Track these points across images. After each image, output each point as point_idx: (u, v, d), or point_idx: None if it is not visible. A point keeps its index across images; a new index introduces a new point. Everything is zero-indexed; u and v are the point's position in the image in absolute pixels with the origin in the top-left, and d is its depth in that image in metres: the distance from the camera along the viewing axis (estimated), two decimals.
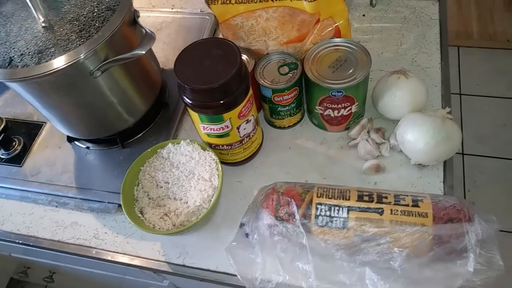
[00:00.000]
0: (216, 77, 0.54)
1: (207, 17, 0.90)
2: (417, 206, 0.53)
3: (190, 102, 0.57)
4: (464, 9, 1.99)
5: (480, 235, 0.49)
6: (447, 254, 0.49)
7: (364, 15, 0.85)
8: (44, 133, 0.79)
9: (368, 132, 0.67)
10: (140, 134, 0.75)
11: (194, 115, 0.59)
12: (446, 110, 0.62)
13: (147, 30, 0.61)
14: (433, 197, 0.54)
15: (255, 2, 0.63)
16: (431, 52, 0.78)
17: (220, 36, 0.74)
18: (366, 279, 0.51)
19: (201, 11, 0.92)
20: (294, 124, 0.72)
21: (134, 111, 0.70)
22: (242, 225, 0.59)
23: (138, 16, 0.64)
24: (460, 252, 0.49)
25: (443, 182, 0.63)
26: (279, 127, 0.72)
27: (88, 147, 0.75)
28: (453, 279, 0.48)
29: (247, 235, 0.58)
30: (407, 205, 0.53)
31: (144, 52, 0.59)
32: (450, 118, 0.61)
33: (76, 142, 0.76)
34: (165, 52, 0.85)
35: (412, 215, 0.52)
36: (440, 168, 0.64)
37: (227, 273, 0.60)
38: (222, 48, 0.56)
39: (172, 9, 0.95)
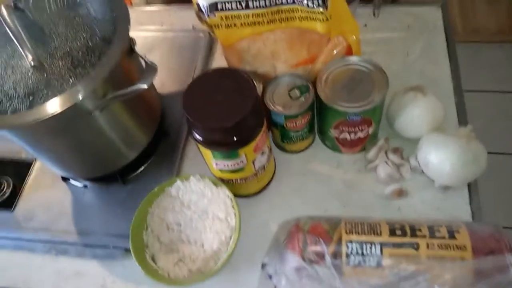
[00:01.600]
0: (231, 113, 0.49)
1: (201, 34, 0.84)
2: (453, 237, 0.49)
3: (202, 139, 0.52)
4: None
5: None
6: None
7: (365, 25, 0.82)
8: (35, 172, 0.72)
9: (386, 152, 0.64)
10: (141, 168, 0.69)
11: (206, 151, 0.54)
12: (468, 128, 0.59)
13: (147, 61, 0.56)
14: (468, 225, 0.51)
15: (262, 24, 0.59)
16: (439, 61, 0.75)
17: (222, 58, 0.69)
18: None
19: (193, 27, 0.87)
20: (306, 148, 0.68)
21: (135, 145, 0.65)
22: (264, 265, 0.55)
23: (135, 44, 0.59)
24: (506, 287, 0.46)
25: (470, 204, 0.60)
26: (290, 152, 0.68)
27: (85, 186, 0.69)
28: None
29: (270, 276, 0.54)
30: (443, 238, 0.49)
31: (146, 86, 0.54)
32: (474, 137, 0.58)
33: (71, 181, 0.70)
34: (159, 75, 0.79)
35: (450, 249, 0.49)
36: (464, 189, 0.61)
37: None
38: (235, 80, 0.52)
39: (162, 26, 0.89)
